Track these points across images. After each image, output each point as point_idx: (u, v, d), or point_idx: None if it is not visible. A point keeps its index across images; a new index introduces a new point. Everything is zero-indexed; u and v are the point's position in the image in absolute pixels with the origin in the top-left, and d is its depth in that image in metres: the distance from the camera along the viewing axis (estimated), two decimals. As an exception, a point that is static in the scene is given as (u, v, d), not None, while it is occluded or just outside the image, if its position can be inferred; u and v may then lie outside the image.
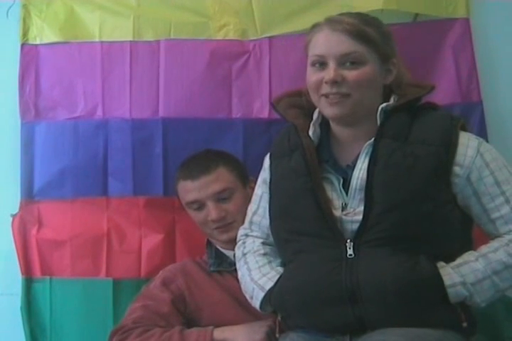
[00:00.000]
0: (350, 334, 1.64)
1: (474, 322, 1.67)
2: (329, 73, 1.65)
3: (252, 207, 1.86)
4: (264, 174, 1.84)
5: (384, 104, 1.69)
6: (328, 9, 2.21)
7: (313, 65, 1.69)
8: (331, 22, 1.68)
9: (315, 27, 1.71)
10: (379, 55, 1.67)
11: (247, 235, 1.85)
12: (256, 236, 1.83)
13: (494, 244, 1.65)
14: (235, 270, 1.97)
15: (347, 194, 1.68)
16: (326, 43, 1.67)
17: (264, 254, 1.80)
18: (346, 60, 1.65)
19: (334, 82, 1.65)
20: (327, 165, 1.72)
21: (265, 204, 1.81)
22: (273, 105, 1.83)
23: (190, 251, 2.23)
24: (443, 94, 2.14)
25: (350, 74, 1.65)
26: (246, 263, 1.81)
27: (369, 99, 1.68)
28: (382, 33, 1.69)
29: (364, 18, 1.70)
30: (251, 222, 1.85)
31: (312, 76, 1.69)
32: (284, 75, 2.25)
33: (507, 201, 1.65)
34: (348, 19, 1.67)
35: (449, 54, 2.21)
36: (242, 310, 1.93)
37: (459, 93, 2.20)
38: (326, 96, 1.67)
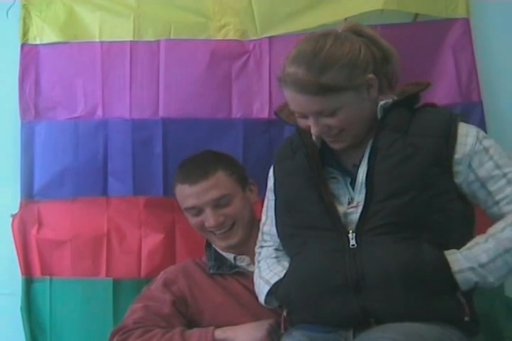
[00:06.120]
0: (353, 329, 1.64)
1: (476, 321, 1.67)
2: (313, 129, 1.67)
3: (262, 219, 1.88)
4: (270, 182, 1.86)
5: (382, 102, 1.70)
6: (328, 9, 2.22)
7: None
8: (291, 83, 1.64)
9: (280, 80, 1.68)
10: (350, 89, 1.64)
11: (261, 246, 1.87)
12: (269, 245, 1.85)
13: (500, 224, 1.66)
14: (236, 273, 1.99)
15: (354, 190, 1.70)
16: (296, 103, 1.67)
17: (276, 257, 1.82)
18: (322, 114, 1.65)
19: (321, 133, 1.68)
20: (332, 168, 1.74)
21: (272, 212, 1.82)
22: (276, 114, 1.83)
23: (190, 251, 2.23)
24: (443, 94, 2.15)
25: (331, 121, 1.65)
26: (259, 267, 1.83)
27: (362, 125, 1.69)
28: (346, 66, 1.63)
29: (321, 62, 1.62)
30: (262, 233, 1.87)
31: (300, 122, 1.71)
32: (284, 75, 2.25)
33: (509, 182, 1.66)
34: (303, 75, 1.62)
35: (449, 54, 2.21)
36: (243, 312, 1.93)
37: (459, 93, 2.19)
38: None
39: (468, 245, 1.64)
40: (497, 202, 1.67)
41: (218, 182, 1.98)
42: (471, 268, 1.60)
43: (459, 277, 1.60)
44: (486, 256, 1.61)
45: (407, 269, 1.59)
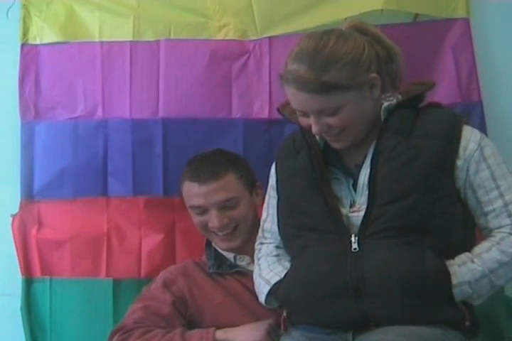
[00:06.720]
0: (352, 331, 1.64)
1: (477, 323, 1.67)
2: (314, 128, 1.66)
3: (262, 216, 1.88)
4: (272, 180, 1.84)
5: (386, 104, 1.68)
6: (328, 9, 2.22)
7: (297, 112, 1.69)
8: (292, 81, 1.62)
9: (282, 78, 1.66)
10: (353, 87, 1.62)
11: (261, 243, 1.86)
12: (269, 243, 1.84)
13: (486, 244, 1.66)
14: (236, 272, 1.99)
15: (356, 192, 1.69)
16: (297, 102, 1.65)
17: (276, 255, 1.81)
18: (323, 113, 1.64)
19: (322, 132, 1.67)
20: (335, 168, 1.73)
21: (273, 210, 1.82)
22: (279, 111, 1.82)
23: (190, 251, 2.23)
24: (443, 94, 2.14)
25: (332, 121, 1.64)
26: (258, 265, 1.82)
27: (364, 124, 1.68)
28: (349, 65, 1.61)
29: (323, 59, 1.60)
30: (263, 230, 1.86)
31: (301, 120, 1.70)
32: (284, 75, 2.25)
33: (501, 195, 1.65)
34: (305, 72, 1.60)
35: (449, 54, 2.21)
36: (244, 312, 1.93)
37: (459, 93, 2.19)
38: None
39: (457, 262, 1.63)
40: (485, 214, 1.67)
41: (227, 185, 1.97)
42: (469, 282, 1.60)
43: (456, 290, 1.60)
44: (472, 275, 1.61)
45: (408, 277, 1.58)
